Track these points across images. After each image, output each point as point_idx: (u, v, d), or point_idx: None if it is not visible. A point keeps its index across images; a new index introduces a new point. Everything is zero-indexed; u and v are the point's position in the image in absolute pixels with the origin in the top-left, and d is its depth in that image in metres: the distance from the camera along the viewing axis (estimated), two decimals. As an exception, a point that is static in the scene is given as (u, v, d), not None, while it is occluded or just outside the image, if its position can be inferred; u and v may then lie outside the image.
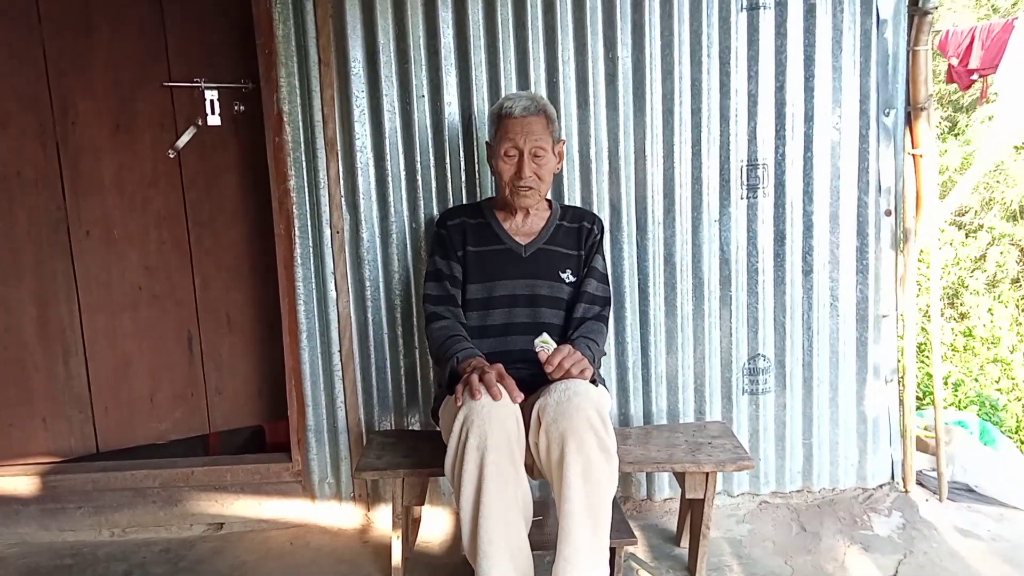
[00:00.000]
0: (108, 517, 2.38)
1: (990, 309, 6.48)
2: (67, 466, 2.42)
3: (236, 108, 2.46)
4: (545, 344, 1.77)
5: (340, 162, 2.26)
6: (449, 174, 2.29)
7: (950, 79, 3.09)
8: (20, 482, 2.34)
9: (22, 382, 2.41)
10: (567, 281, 2.04)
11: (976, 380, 5.47)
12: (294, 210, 2.27)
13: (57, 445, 2.46)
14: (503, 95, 2.20)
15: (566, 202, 2.29)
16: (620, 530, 1.92)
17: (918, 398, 2.89)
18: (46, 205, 2.36)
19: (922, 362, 4.62)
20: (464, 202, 2.29)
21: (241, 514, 2.40)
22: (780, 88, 2.29)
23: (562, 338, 1.98)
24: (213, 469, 2.37)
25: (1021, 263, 7.19)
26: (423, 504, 2.18)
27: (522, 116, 1.94)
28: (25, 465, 2.41)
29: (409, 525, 2.14)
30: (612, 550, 1.90)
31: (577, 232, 2.08)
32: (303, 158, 2.26)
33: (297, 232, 2.28)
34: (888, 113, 2.33)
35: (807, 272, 2.38)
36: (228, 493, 2.38)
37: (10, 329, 2.38)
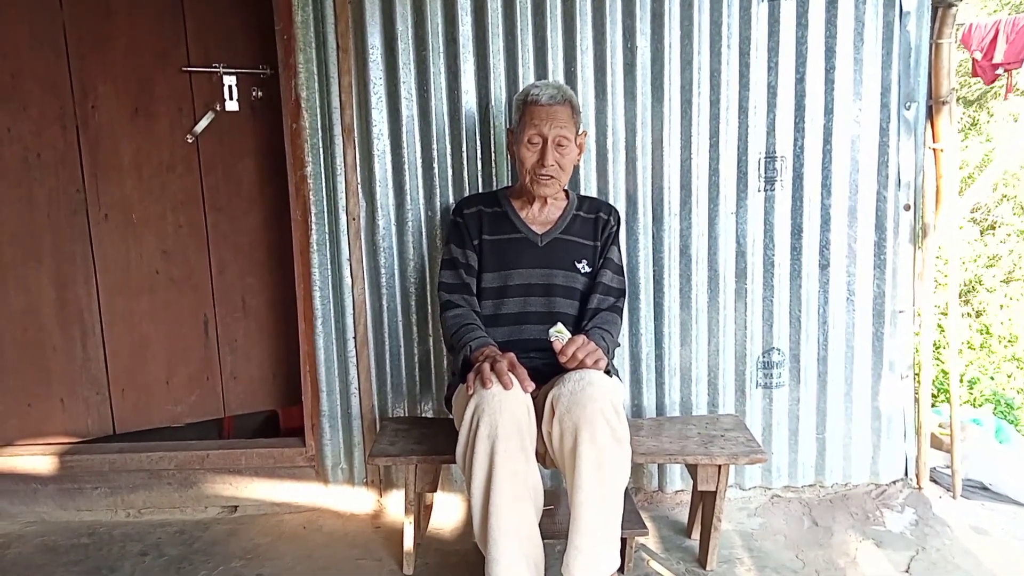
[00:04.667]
0: (124, 498, 2.41)
1: (1003, 306, 6.43)
2: (84, 447, 2.45)
3: (254, 94, 2.47)
4: (560, 334, 1.77)
5: (357, 149, 2.27)
6: (465, 162, 2.29)
7: (975, 72, 3.05)
8: (38, 461, 2.37)
9: (40, 363, 2.44)
10: (582, 271, 2.04)
11: (992, 378, 5.43)
12: (311, 196, 2.28)
13: (75, 426, 2.49)
14: (521, 84, 2.20)
15: (583, 192, 2.28)
16: (631, 521, 1.93)
17: (933, 395, 2.86)
18: (65, 188, 2.38)
19: (938, 359, 4.59)
20: (480, 190, 2.28)
21: (255, 497, 2.42)
22: (800, 80, 2.26)
23: (576, 328, 1.98)
24: (228, 452, 2.39)
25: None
26: (435, 491, 2.19)
27: (548, 104, 1.94)
28: (43, 445, 2.44)
29: (421, 511, 2.15)
30: (623, 540, 1.91)
31: (594, 223, 2.08)
32: (320, 144, 2.27)
33: (313, 218, 2.29)
34: (909, 106, 2.30)
35: (824, 266, 2.36)
36: (242, 476, 2.41)
37: (29, 310, 2.41)
